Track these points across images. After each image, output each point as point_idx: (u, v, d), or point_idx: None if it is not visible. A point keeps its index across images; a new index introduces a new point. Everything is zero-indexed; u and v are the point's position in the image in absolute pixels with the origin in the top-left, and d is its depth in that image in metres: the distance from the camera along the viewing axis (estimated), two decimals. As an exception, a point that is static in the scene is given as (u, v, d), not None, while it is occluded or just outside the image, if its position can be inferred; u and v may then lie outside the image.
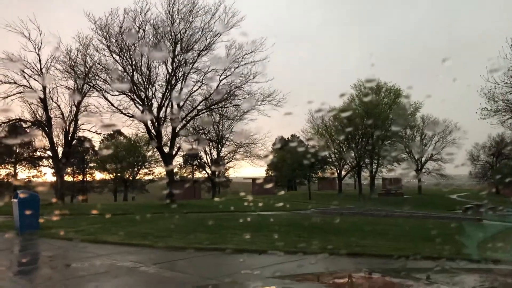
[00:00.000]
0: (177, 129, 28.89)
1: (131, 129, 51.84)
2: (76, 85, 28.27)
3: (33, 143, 35.83)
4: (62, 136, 30.08)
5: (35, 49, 27.36)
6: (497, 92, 26.10)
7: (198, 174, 54.03)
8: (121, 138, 50.40)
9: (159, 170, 51.20)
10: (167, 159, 27.89)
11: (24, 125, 29.64)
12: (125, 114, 27.22)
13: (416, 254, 6.96)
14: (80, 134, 32.40)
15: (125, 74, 26.71)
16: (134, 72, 27.03)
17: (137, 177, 52.89)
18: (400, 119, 33.84)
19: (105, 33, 26.13)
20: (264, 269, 7.00)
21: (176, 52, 27.09)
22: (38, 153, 37.98)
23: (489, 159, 55.40)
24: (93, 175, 56.63)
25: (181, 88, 28.31)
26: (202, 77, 28.04)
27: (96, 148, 48.35)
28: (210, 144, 43.39)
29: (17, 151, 45.32)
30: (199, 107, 29.55)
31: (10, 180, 45.81)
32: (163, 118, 27.61)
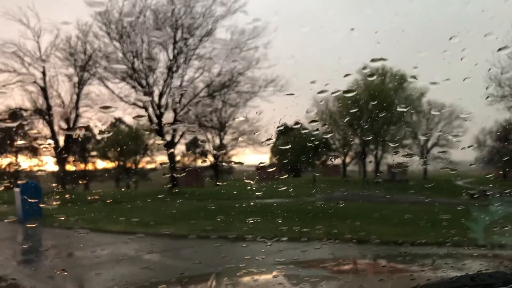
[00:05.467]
0: (179, 116, 28.85)
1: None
2: (76, 73, 28.21)
3: (34, 131, 35.83)
4: (63, 124, 30.14)
5: (34, 37, 27.25)
6: (503, 77, 25.85)
7: (200, 162, 54.11)
8: (123, 126, 50.38)
9: (161, 158, 51.24)
10: (169, 146, 27.85)
11: (24, 113, 29.67)
12: (126, 102, 27.19)
13: (421, 240, 6.89)
14: (81, 121, 32.43)
15: (125, 61, 26.59)
16: (135, 59, 26.91)
17: (140, 165, 52.97)
18: (405, 104, 33.58)
19: (104, 20, 25.95)
20: (268, 255, 6.91)
21: (177, 38, 26.91)
22: (39, 142, 38.00)
23: (496, 144, 55.09)
24: (95, 163, 56.69)
25: (183, 75, 28.22)
26: (203, 63, 27.92)
27: (98, 136, 48.34)
28: (213, 131, 43.37)
29: (18, 140, 45.29)
30: (201, 94, 29.48)
31: (11, 169, 45.89)
32: (164, 105, 27.57)
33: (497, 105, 27.22)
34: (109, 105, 27.30)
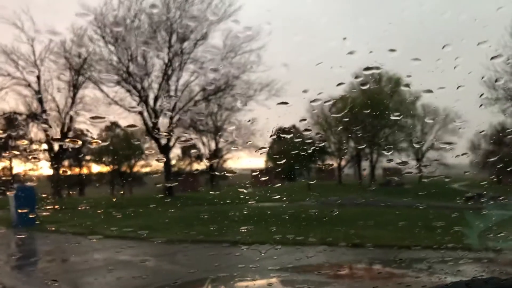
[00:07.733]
0: (174, 120, 28.78)
1: (130, 129, 51.47)
2: (71, 77, 28.13)
3: (28, 136, 35.61)
4: (58, 129, 30.02)
5: (28, 41, 27.12)
6: (498, 83, 26.06)
7: (196, 166, 53.93)
8: (118, 130, 50.19)
9: (156, 163, 51.10)
10: (164, 150, 27.78)
11: (19, 118, 29.51)
12: (121, 106, 27.13)
13: (417, 245, 6.89)
14: (76, 126, 32.30)
15: (120, 64, 26.55)
16: (130, 63, 26.84)
17: (134, 169, 52.77)
18: (400, 108, 33.62)
19: (99, 23, 25.86)
20: (262, 261, 6.89)
21: (172, 42, 26.92)
22: (34, 146, 37.74)
23: (491, 148, 55.14)
24: (90, 167, 56.32)
25: (178, 79, 28.20)
26: (199, 67, 27.94)
27: (93, 141, 47.98)
28: (208, 135, 43.29)
29: (13, 144, 44.98)
30: (196, 98, 29.48)
31: (6, 175, 45.52)
32: (159, 110, 27.54)
33: (492, 108, 27.39)
34: (101, 114, 27.14)
